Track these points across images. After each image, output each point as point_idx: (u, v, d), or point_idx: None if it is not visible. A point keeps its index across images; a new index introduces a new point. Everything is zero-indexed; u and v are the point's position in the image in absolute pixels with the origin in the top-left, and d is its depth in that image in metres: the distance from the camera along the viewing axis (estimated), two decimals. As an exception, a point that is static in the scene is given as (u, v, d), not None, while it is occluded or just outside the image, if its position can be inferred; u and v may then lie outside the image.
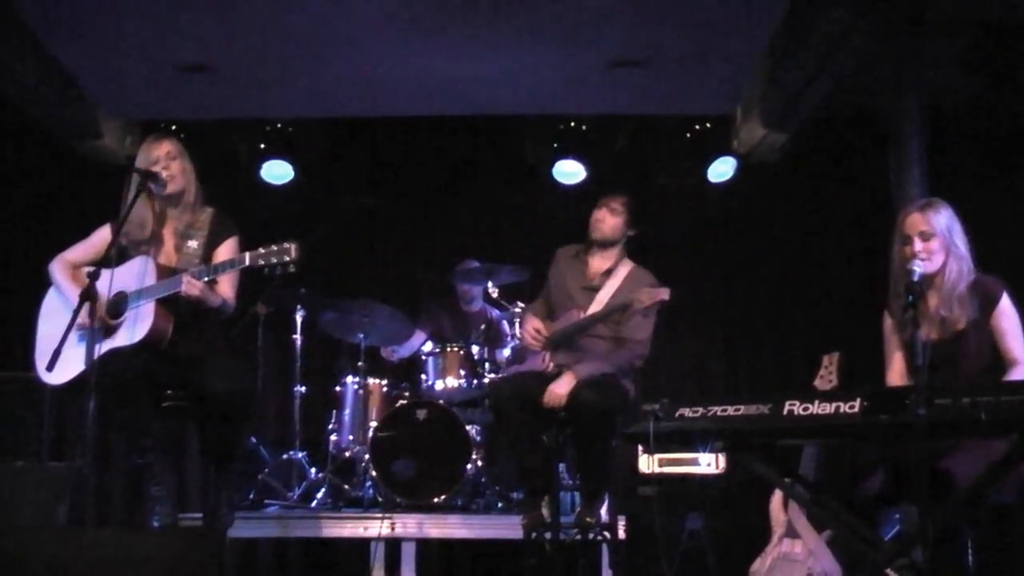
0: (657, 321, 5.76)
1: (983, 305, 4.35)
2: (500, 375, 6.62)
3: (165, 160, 5.01)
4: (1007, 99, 7.24)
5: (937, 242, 4.39)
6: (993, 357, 4.33)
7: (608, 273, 5.78)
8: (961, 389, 3.38)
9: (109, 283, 4.73)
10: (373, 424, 6.76)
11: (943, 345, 4.36)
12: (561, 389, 5.41)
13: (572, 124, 8.12)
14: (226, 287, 5.03)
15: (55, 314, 4.99)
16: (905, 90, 6.93)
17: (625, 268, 5.80)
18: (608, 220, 5.80)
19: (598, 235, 5.80)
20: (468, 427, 6.55)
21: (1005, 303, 4.36)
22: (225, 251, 5.06)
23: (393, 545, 6.20)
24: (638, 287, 5.53)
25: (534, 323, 5.77)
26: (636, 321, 5.60)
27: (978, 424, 3.32)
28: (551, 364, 5.69)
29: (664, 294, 5.42)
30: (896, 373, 4.56)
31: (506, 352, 6.89)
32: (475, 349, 6.81)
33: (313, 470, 7.11)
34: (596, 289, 5.74)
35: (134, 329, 4.78)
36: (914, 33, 6.64)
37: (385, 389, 7.14)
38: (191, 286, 4.72)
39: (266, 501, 6.90)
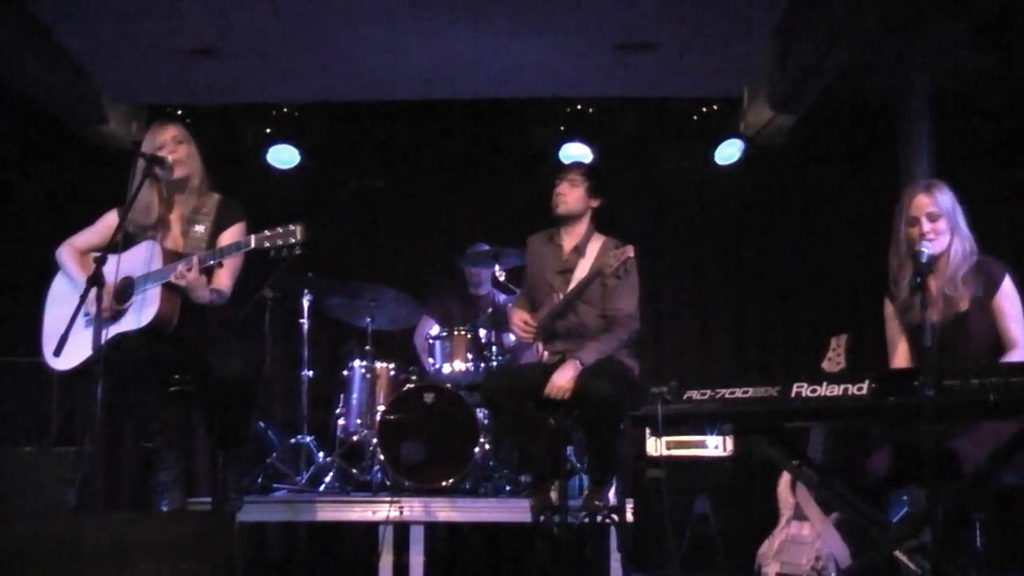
0: (647, 294, 5.72)
1: (986, 286, 4.34)
2: (490, 372, 6.58)
3: (171, 144, 5.01)
4: (1016, 80, 7.22)
5: (944, 222, 4.37)
6: (995, 339, 4.32)
7: (578, 250, 5.71)
8: (970, 371, 3.37)
9: (116, 268, 4.74)
10: (381, 408, 6.76)
11: (945, 327, 4.34)
12: (564, 380, 5.36)
13: (579, 107, 8.11)
14: (224, 277, 5.01)
15: (62, 299, 5.00)
16: (913, 72, 6.92)
17: (596, 243, 5.71)
18: (569, 192, 5.72)
19: (562, 209, 5.72)
20: (476, 410, 6.56)
21: (1007, 285, 4.35)
22: (231, 236, 5.05)
23: (401, 529, 6.22)
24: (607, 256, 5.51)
25: (520, 315, 5.71)
26: (617, 292, 5.54)
27: (987, 406, 3.31)
28: (546, 354, 5.68)
29: (629, 251, 5.37)
30: (901, 359, 4.54)
31: (512, 337, 6.89)
32: (482, 333, 6.80)
33: (321, 454, 7.12)
34: (570, 270, 5.68)
35: (141, 314, 4.78)
36: (922, 14, 6.62)
37: (392, 373, 7.14)
38: (180, 277, 4.71)
39: (274, 485, 6.91)
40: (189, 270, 4.72)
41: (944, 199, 4.40)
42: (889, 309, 4.59)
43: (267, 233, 4.72)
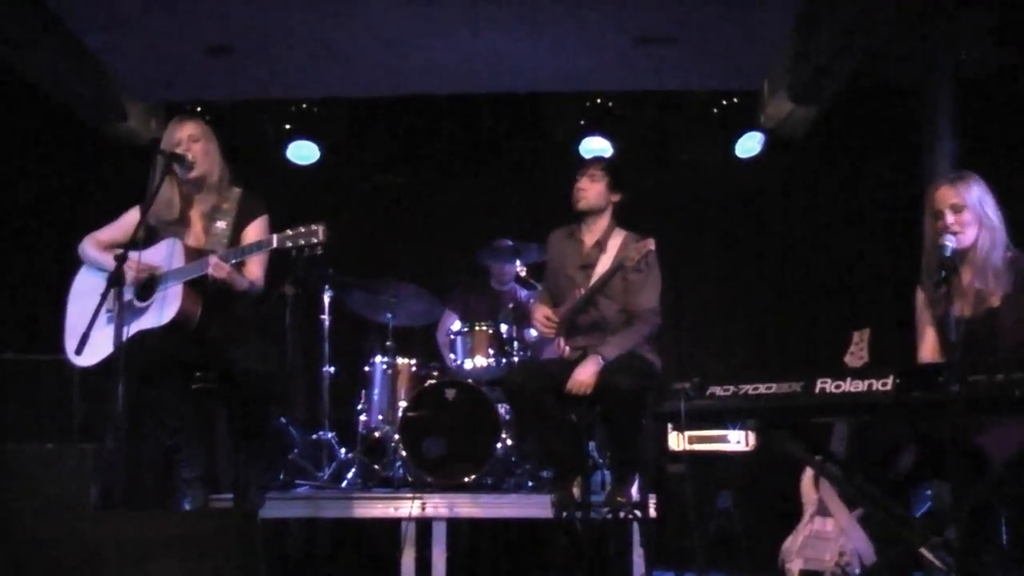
0: (668, 289, 5.69)
1: (1018, 282, 4.29)
2: (511, 367, 6.57)
3: (187, 143, 5.01)
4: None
5: (969, 214, 4.32)
6: None
7: (599, 245, 5.72)
8: (995, 366, 3.34)
9: (138, 265, 4.74)
10: (402, 404, 6.75)
11: (976, 321, 4.30)
12: (586, 376, 5.36)
13: (599, 101, 8.09)
14: (255, 267, 5.03)
15: (84, 296, 5.01)
16: (935, 63, 6.87)
17: (618, 238, 5.72)
18: (590, 187, 5.72)
19: (583, 204, 5.73)
20: (498, 406, 6.54)
21: None
22: (254, 231, 5.07)
23: (423, 525, 6.20)
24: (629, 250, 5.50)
25: (542, 311, 5.71)
26: (638, 287, 5.55)
27: (1013, 402, 3.28)
28: (567, 349, 5.66)
29: (650, 244, 5.40)
30: (928, 350, 4.50)
31: (534, 332, 6.87)
32: (504, 328, 6.78)
33: (343, 450, 7.13)
34: (591, 265, 5.68)
35: (162, 311, 4.79)
36: (943, 5, 6.58)
37: (414, 369, 7.13)
38: (218, 269, 4.73)
39: (296, 481, 6.92)
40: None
41: (970, 190, 4.34)
42: (920, 299, 4.56)
43: (289, 233, 4.72)
